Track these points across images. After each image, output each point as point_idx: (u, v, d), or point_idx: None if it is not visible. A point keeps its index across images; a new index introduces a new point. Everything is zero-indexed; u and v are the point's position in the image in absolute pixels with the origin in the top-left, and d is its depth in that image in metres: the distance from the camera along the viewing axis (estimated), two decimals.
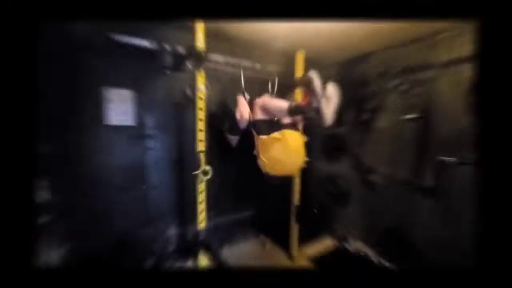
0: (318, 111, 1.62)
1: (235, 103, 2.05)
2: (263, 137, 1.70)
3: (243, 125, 2.00)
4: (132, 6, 1.00)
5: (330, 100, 1.60)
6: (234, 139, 2.13)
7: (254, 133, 1.83)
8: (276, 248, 2.70)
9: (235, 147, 2.17)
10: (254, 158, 1.94)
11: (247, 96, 2.17)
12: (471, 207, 1.87)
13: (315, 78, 1.63)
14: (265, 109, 1.79)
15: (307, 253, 2.60)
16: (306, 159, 2.10)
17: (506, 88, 0.90)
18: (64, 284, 0.97)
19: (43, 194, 1.74)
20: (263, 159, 1.70)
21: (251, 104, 2.04)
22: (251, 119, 1.98)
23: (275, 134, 1.65)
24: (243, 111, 1.98)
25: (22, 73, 0.91)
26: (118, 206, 2.02)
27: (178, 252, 2.33)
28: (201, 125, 1.74)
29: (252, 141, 1.97)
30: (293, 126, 1.80)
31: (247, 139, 2.08)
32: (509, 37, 0.89)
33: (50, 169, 1.76)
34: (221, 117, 2.29)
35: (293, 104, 1.71)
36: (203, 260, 1.84)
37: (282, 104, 1.71)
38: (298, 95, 2.29)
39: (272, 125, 1.76)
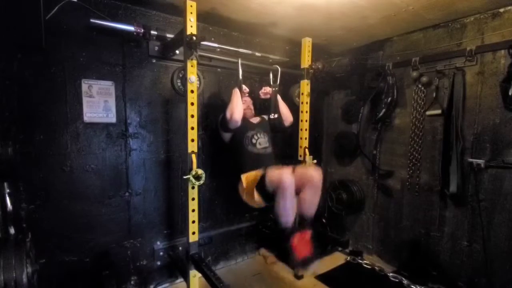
0: (276, 110, 2.08)
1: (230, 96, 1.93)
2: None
3: (233, 125, 1.86)
4: None
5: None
6: (226, 136, 2.01)
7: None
8: (279, 264, 2.56)
9: (228, 144, 2.04)
10: None
11: (246, 89, 2.01)
12: (505, 217, 1.82)
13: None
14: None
15: (314, 269, 2.37)
16: (313, 161, 2.19)
17: None
18: None
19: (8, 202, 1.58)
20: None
21: (253, 98, 2.09)
22: (245, 116, 1.96)
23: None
24: (233, 109, 1.81)
25: None
26: (96, 215, 1.87)
27: (166, 269, 2.18)
28: (192, 122, 1.59)
29: None
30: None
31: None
32: None
33: (16, 173, 1.62)
34: (215, 110, 2.20)
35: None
36: (195, 279, 1.69)
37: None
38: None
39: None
